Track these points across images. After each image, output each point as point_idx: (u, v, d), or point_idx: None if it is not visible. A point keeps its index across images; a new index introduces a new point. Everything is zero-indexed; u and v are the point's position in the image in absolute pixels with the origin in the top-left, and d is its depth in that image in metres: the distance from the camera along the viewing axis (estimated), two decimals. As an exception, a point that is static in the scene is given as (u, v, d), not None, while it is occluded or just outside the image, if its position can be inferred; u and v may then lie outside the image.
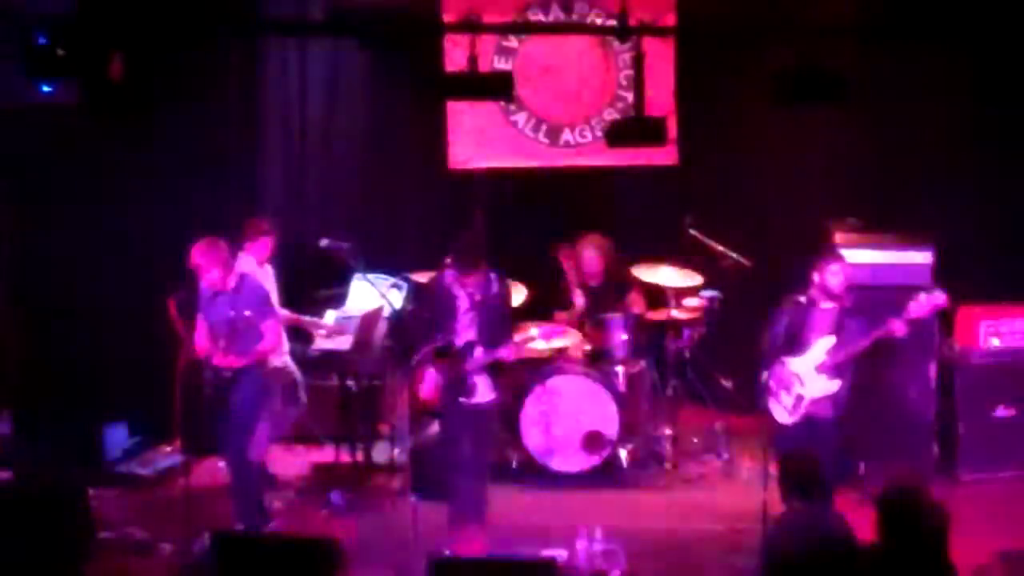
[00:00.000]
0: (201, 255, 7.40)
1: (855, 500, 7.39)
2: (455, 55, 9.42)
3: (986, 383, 8.61)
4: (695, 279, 9.23)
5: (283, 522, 7.86)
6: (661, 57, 10.04)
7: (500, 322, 7.49)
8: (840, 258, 7.53)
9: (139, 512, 7.99)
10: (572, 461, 8.69)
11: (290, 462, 9.00)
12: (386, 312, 8.45)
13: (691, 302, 9.18)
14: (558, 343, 8.81)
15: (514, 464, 8.83)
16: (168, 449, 8.99)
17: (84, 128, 8.78)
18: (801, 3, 9.60)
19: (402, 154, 10.54)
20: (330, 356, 8.73)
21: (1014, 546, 7.03)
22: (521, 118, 10.58)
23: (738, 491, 8.35)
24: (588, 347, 8.98)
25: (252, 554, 5.95)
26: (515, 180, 10.50)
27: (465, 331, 7.41)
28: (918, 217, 9.06)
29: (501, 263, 7.52)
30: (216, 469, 8.21)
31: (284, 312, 8.51)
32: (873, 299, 7.55)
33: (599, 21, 10.37)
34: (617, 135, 9.00)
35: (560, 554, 6.74)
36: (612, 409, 8.62)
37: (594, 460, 8.68)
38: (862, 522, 5.49)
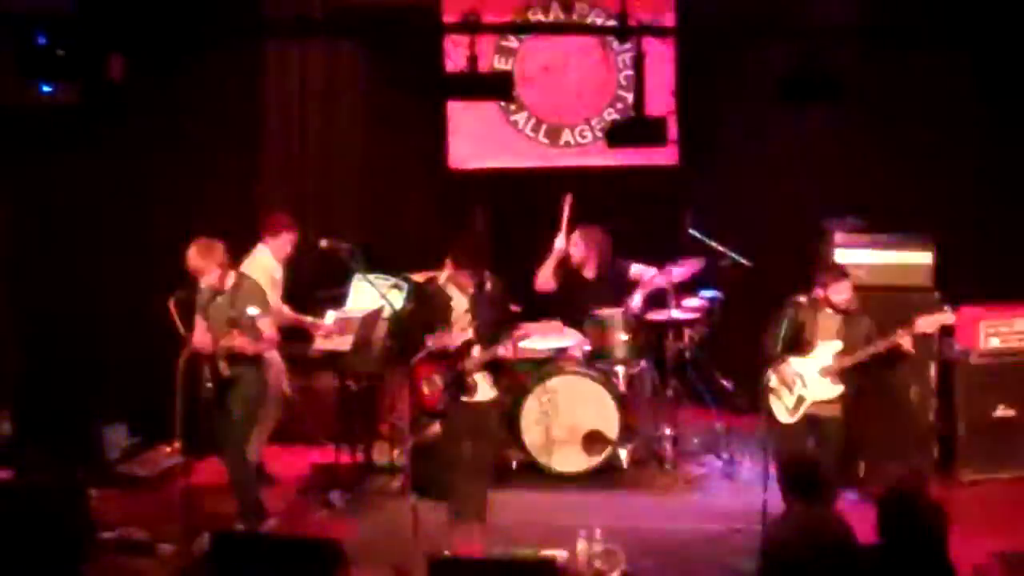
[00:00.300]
0: (199, 258, 7.41)
1: (855, 500, 7.39)
2: (455, 55, 9.39)
3: (986, 383, 8.60)
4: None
5: (283, 522, 7.86)
6: (661, 57, 10.04)
7: (498, 320, 7.49)
8: (845, 275, 7.52)
9: (139, 512, 7.98)
10: (572, 461, 8.69)
11: (290, 462, 9.00)
12: (386, 312, 8.45)
13: (691, 302, 9.18)
14: (558, 343, 8.81)
15: (514, 464, 8.83)
16: (168, 449, 8.98)
17: (84, 128, 8.77)
18: (801, 3, 9.60)
19: (402, 154, 10.55)
20: (330, 356, 8.72)
21: (1013, 547, 7.02)
22: (521, 118, 10.58)
23: (738, 491, 8.35)
24: (588, 347, 8.98)
25: (252, 554, 5.94)
26: (515, 180, 10.50)
27: (463, 330, 7.43)
28: (918, 217, 9.05)
29: (501, 263, 7.52)
30: (216, 469, 8.21)
31: (286, 311, 8.52)
32: (877, 302, 7.54)
33: (599, 21, 10.38)
34: (617, 135, 9.00)
35: (560, 554, 6.73)
36: (612, 409, 8.62)
37: (594, 460, 8.68)
38: (862, 522, 5.49)
